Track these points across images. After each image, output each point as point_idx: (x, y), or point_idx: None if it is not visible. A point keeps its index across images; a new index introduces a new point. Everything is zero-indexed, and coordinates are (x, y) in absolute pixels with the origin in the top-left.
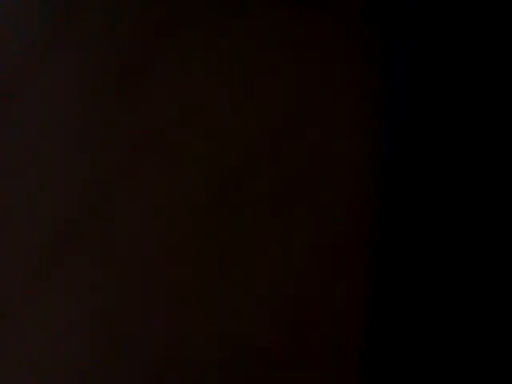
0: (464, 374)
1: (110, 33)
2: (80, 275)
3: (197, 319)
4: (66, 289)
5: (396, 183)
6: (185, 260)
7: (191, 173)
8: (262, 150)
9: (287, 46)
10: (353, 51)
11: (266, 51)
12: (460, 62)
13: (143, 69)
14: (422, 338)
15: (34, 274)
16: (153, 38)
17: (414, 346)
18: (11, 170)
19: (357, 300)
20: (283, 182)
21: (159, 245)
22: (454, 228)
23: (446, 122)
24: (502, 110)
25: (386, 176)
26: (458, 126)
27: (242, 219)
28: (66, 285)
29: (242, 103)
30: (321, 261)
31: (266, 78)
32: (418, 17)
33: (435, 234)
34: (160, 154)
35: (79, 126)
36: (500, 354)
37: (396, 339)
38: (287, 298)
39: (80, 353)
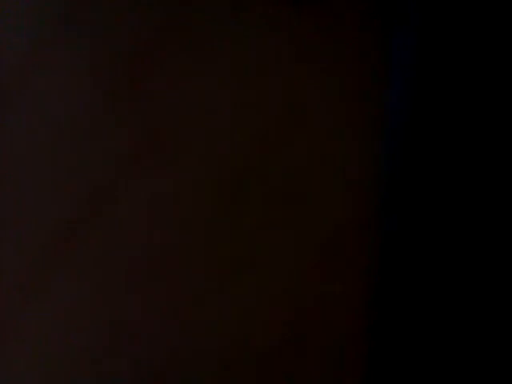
0: (465, 375)
1: (111, 33)
2: (81, 276)
3: (197, 320)
4: (67, 289)
5: (396, 184)
6: (185, 260)
7: (195, 173)
8: (263, 150)
9: (287, 46)
10: (353, 51)
11: (266, 51)
12: (461, 62)
13: (143, 69)
14: (423, 338)
15: (35, 275)
16: (153, 38)
17: (415, 346)
18: (11, 171)
19: (358, 301)
20: (284, 183)
21: (160, 245)
22: (455, 228)
23: (447, 122)
24: (504, 110)
25: (386, 176)
26: (459, 127)
27: (241, 220)
28: (67, 285)
29: (242, 103)
30: (321, 261)
31: (266, 78)
32: (418, 16)
33: (436, 234)
34: (162, 154)
35: (79, 126)
36: (500, 354)
37: (397, 339)
38: (287, 298)
39: (81, 353)
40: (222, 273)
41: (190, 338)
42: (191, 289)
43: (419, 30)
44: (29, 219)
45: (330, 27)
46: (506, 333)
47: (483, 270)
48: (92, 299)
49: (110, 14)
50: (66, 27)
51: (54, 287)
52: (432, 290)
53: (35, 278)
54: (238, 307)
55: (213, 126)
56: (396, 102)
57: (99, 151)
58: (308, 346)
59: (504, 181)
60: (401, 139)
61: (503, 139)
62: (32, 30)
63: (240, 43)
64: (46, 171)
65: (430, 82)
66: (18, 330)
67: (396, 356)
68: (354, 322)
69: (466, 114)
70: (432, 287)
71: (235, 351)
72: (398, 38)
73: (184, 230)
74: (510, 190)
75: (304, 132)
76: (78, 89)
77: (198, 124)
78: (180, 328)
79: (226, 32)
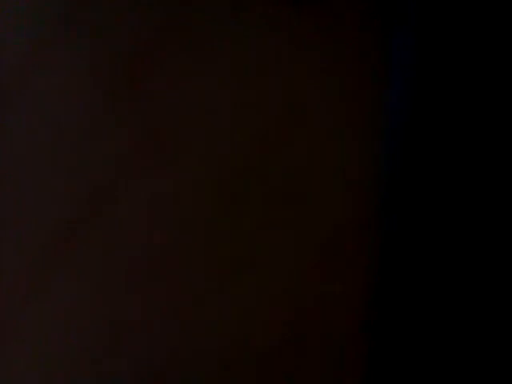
0: (465, 375)
1: (111, 33)
2: (81, 276)
3: (197, 320)
4: (67, 289)
5: (396, 184)
6: (185, 260)
7: (195, 173)
8: (263, 150)
9: (287, 46)
10: (353, 51)
11: (266, 51)
12: (461, 62)
13: (143, 69)
14: (423, 338)
15: (35, 275)
16: (153, 38)
17: (415, 345)
18: (11, 171)
19: (358, 301)
20: (284, 183)
21: (160, 245)
22: (454, 228)
23: (446, 122)
24: (504, 110)
25: (386, 176)
26: (459, 127)
27: (241, 220)
28: (67, 285)
29: (242, 103)
30: (321, 261)
31: (266, 78)
32: (417, 16)
33: (436, 234)
34: (162, 154)
35: (79, 126)
36: (500, 353)
37: (397, 339)
38: (287, 298)
39: (81, 353)
40: (221, 273)
41: (190, 338)
42: (191, 289)
43: (419, 30)
44: (29, 219)
45: (330, 27)
46: (506, 332)
47: (483, 270)
48: (92, 299)
49: (110, 14)
50: (66, 27)
51: (54, 287)
52: (432, 290)
53: (35, 278)
54: (238, 307)
55: (213, 126)
56: (396, 102)
57: (99, 151)
58: (308, 346)
59: (504, 180)
60: (401, 139)
61: (503, 139)
62: (32, 29)
63: (240, 43)
64: (45, 171)
65: (430, 81)
66: (18, 330)
67: (396, 356)
68: (354, 322)
69: (466, 113)
70: (432, 287)
71: (235, 351)
72: (397, 38)
73: (184, 230)
74: (509, 190)
75: (304, 132)
76: (77, 89)
77: (198, 124)
78: (180, 328)
79: (226, 32)
